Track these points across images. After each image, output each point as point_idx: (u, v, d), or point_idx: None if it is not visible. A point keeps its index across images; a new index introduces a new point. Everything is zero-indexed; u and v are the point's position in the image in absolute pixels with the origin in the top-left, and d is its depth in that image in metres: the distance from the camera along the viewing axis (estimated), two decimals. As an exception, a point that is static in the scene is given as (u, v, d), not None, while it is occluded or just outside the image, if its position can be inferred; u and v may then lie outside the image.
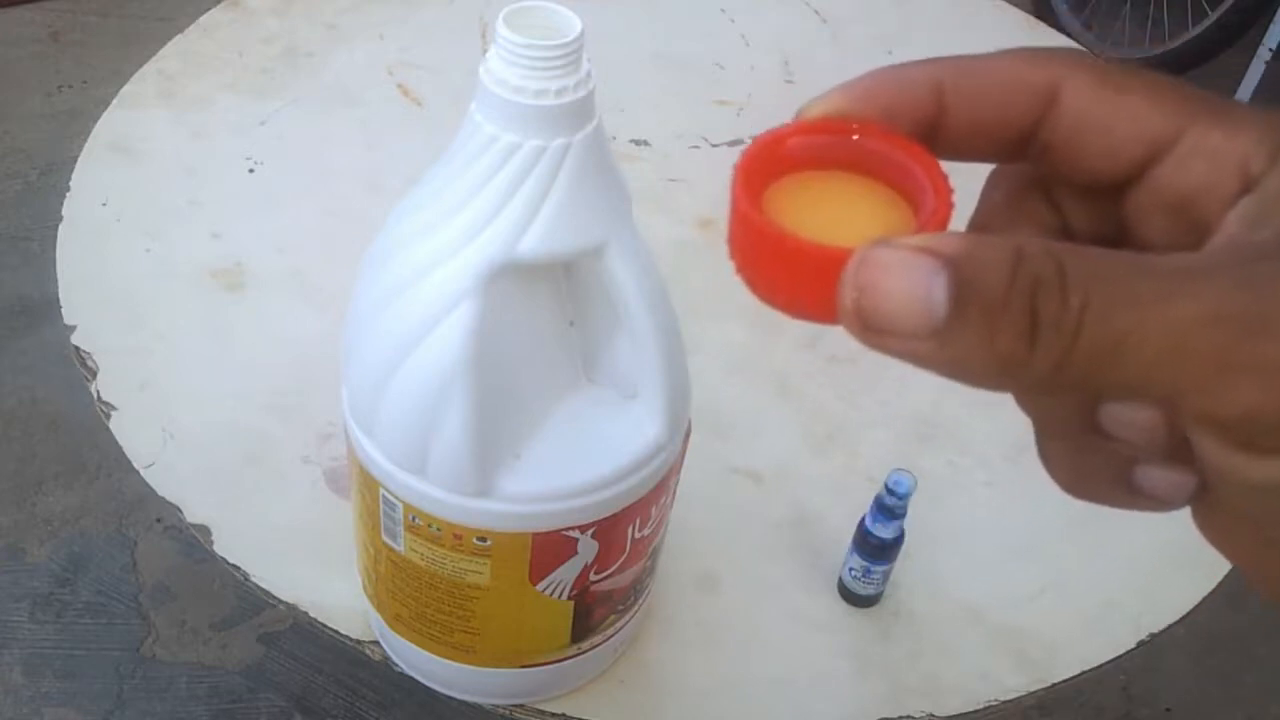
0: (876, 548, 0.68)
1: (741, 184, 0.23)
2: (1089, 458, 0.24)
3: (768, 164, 0.24)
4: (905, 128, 0.24)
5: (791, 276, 0.22)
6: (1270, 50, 2.08)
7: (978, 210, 0.26)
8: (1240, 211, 0.22)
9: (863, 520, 0.68)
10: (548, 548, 0.53)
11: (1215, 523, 0.23)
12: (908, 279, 0.20)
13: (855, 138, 0.24)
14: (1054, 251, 0.20)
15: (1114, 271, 0.20)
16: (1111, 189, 0.24)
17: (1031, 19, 1.30)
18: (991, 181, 0.27)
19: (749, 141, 0.24)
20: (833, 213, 0.24)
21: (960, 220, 0.23)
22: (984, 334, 0.20)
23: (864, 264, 0.20)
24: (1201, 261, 0.20)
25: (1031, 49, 0.24)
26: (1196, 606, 0.72)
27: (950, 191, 0.23)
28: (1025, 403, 0.25)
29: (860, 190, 0.24)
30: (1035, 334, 0.19)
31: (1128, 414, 0.22)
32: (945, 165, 0.24)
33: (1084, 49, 1.26)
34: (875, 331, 0.20)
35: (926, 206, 0.23)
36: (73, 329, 0.81)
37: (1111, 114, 0.23)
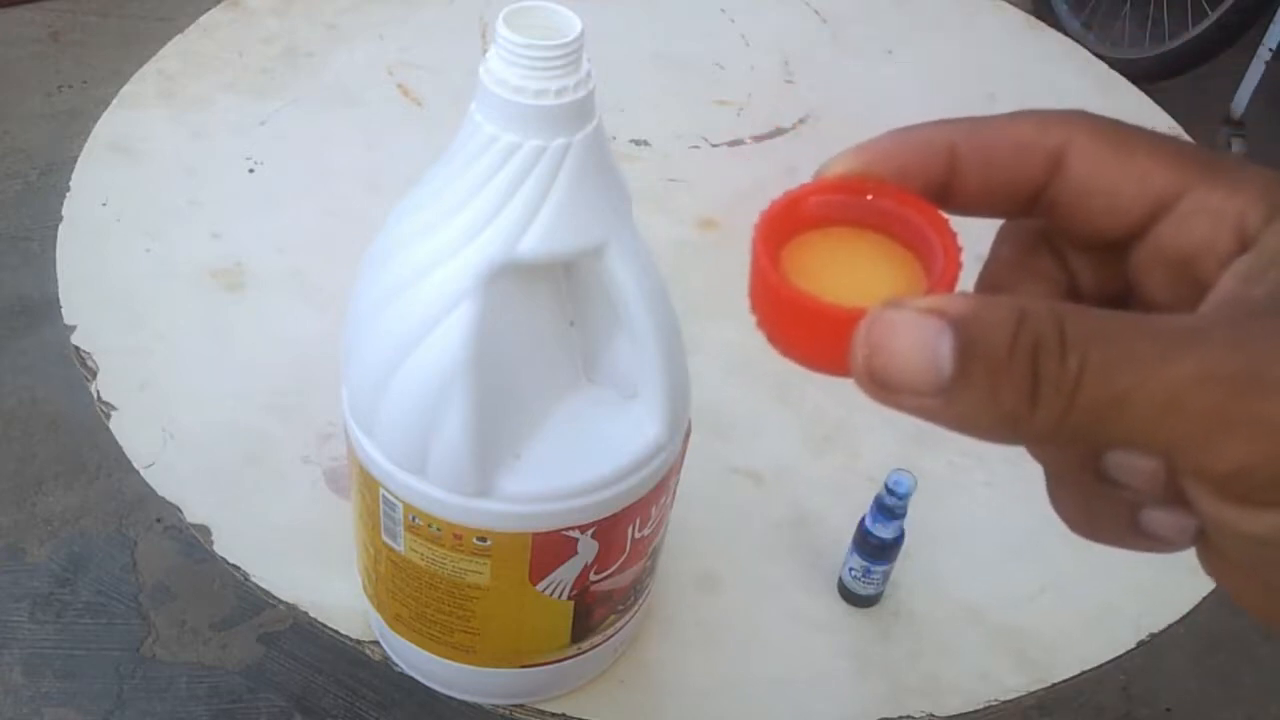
0: (876, 548, 0.68)
1: (761, 242, 0.24)
2: (1097, 503, 0.25)
3: (788, 221, 0.25)
4: (918, 187, 0.25)
5: (808, 334, 0.24)
6: (1270, 50, 2.08)
7: (987, 265, 0.28)
8: (1236, 270, 0.23)
9: (863, 520, 0.68)
10: (548, 548, 0.53)
11: (1217, 566, 0.24)
12: (916, 339, 0.21)
13: (870, 198, 0.25)
14: (1056, 312, 0.21)
15: (1112, 332, 0.20)
16: (1117, 246, 0.25)
17: (1031, 19, 1.30)
18: (1001, 237, 0.28)
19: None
20: (847, 270, 0.25)
21: (970, 274, 0.25)
22: (988, 392, 0.21)
23: (875, 324, 0.22)
24: (1196, 322, 0.21)
25: (1040, 111, 0.25)
26: (1196, 606, 0.72)
27: (959, 252, 0.24)
28: (1034, 452, 0.26)
29: (874, 248, 0.26)
30: (1036, 392, 0.20)
31: (1130, 461, 0.23)
32: (957, 221, 0.25)
33: (1078, 49, 1.27)
34: (886, 388, 0.22)
35: (936, 266, 0.24)
36: (73, 329, 0.81)
37: (1116, 175, 0.24)
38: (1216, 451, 0.20)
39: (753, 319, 0.25)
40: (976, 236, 0.26)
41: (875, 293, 0.23)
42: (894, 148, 0.25)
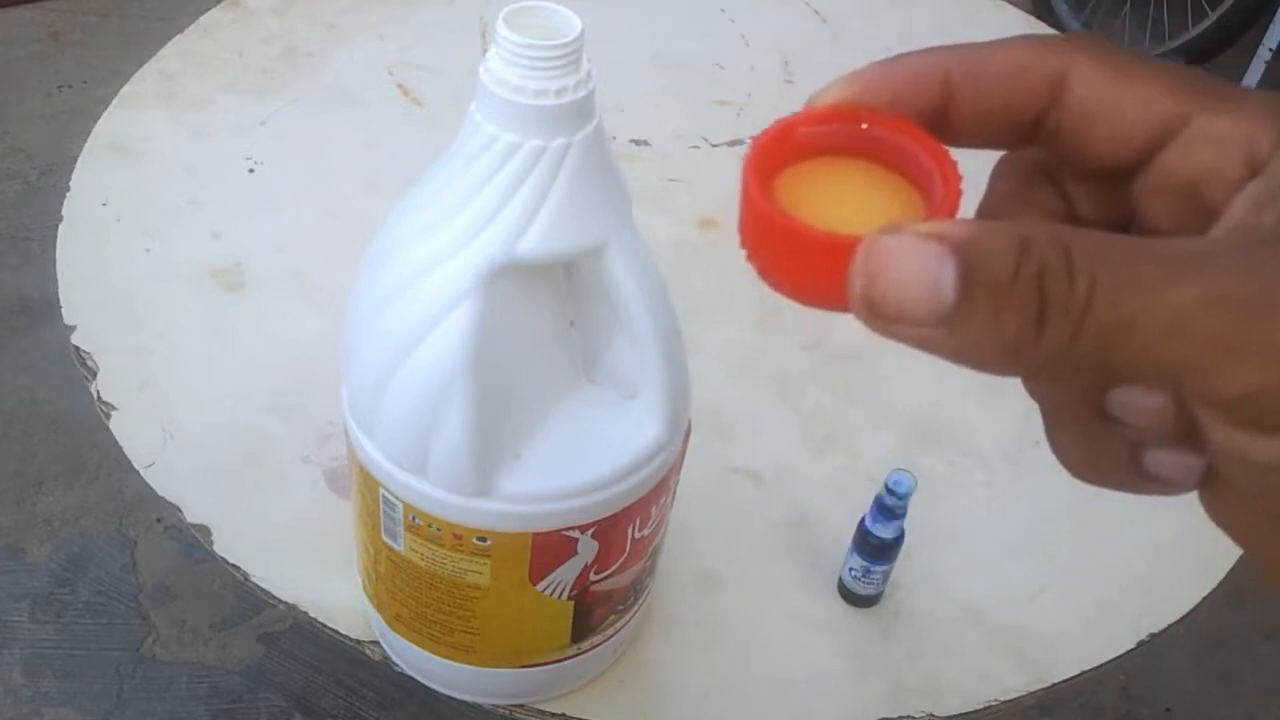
0: (876, 548, 0.68)
1: (752, 172, 0.23)
2: (1098, 444, 0.24)
3: (778, 153, 0.24)
4: (914, 115, 0.24)
5: (801, 264, 0.23)
6: (1270, 50, 2.08)
7: (985, 198, 0.27)
8: (1246, 195, 0.22)
9: (863, 520, 0.68)
10: (548, 548, 0.53)
11: (1223, 505, 0.23)
12: (916, 265, 0.20)
13: (864, 126, 0.24)
14: (1060, 236, 0.20)
15: (1119, 255, 0.20)
16: (1119, 174, 0.24)
17: (1031, 19, 1.30)
18: (999, 169, 0.27)
19: (751, 140, 0.24)
20: (842, 201, 0.24)
21: (968, 209, 0.24)
22: (992, 319, 0.20)
23: (873, 251, 0.21)
24: (1206, 245, 0.21)
25: (1039, 36, 0.24)
26: (1196, 606, 0.72)
27: (959, 179, 0.23)
28: (1033, 389, 0.25)
29: (869, 178, 0.25)
30: (1043, 318, 0.20)
31: (1135, 399, 0.22)
32: (954, 152, 0.24)
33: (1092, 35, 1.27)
34: (884, 318, 0.21)
35: (935, 194, 0.23)
36: (73, 329, 0.81)
37: (1119, 100, 0.23)
38: (1225, 376, 0.19)
39: (742, 254, 0.24)
40: (972, 174, 0.25)
41: (872, 221, 0.21)
42: (887, 75, 0.25)
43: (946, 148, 0.24)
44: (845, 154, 0.25)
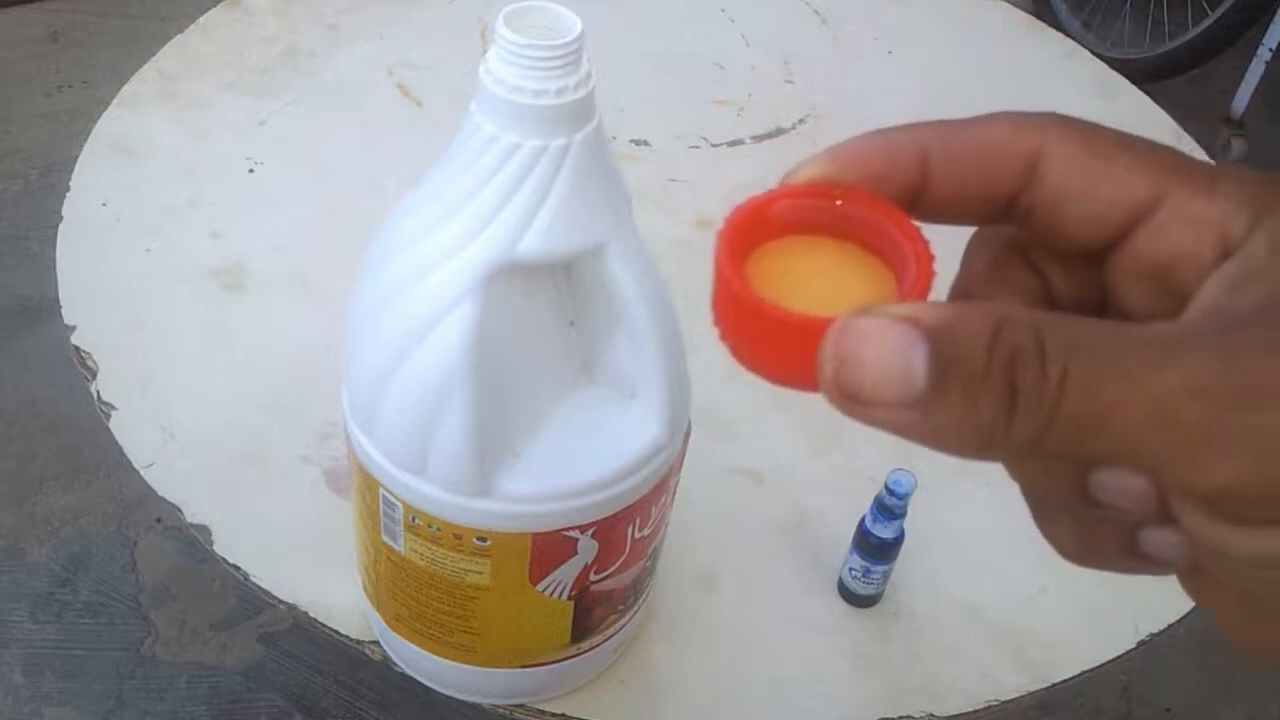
0: (876, 548, 0.68)
1: (725, 249, 0.23)
2: (1089, 527, 0.24)
3: (752, 229, 0.24)
4: (890, 193, 0.24)
5: (773, 345, 0.22)
6: (1270, 50, 2.08)
7: (960, 275, 0.27)
8: (1220, 277, 0.22)
9: (863, 520, 0.68)
10: (548, 548, 0.53)
11: (1199, 591, 0.23)
12: (888, 349, 0.20)
13: (839, 203, 0.24)
14: (1033, 322, 0.20)
15: (1093, 342, 0.20)
16: (1093, 254, 0.24)
17: (1031, 19, 1.30)
18: (974, 245, 0.27)
19: (725, 219, 0.24)
20: (816, 279, 0.24)
21: (943, 284, 0.24)
22: (964, 405, 0.20)
23: (844, 334, 0.20)
24: (1182, 331, 0.20)
25: (1015, 114, 0.24)
26: (1196, 606, 0.72)
27: (932, 259, 0.23)
28: (1016, 474, 0.25)
29: (843, 257, 0.24)
30: (1014, 405, 0.19)
31: (1118, 482, 0.22)
32: (929, 227, 0.24)
33: (1078, 49, 1.27)
34: (856, 401, 0.20)
35: (909, 274, 0.23)
36: (73, 329, 0.81)
37: (1093, 181, 0.23)
38: (1206, 467, 0.19)
39: (715, 331, 0.24)
40: (949, 248, 0.26)
41: (845, 302, 0.21)
42: (864, 152, 0.24)
43: (920, 226, 0.24)
44: (819, 231, 0.25)
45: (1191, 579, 0.23)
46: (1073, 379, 0.19)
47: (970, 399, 0.20)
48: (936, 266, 0.23)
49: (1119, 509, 0.22)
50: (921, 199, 0.24)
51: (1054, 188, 0.23)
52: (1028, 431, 0.20)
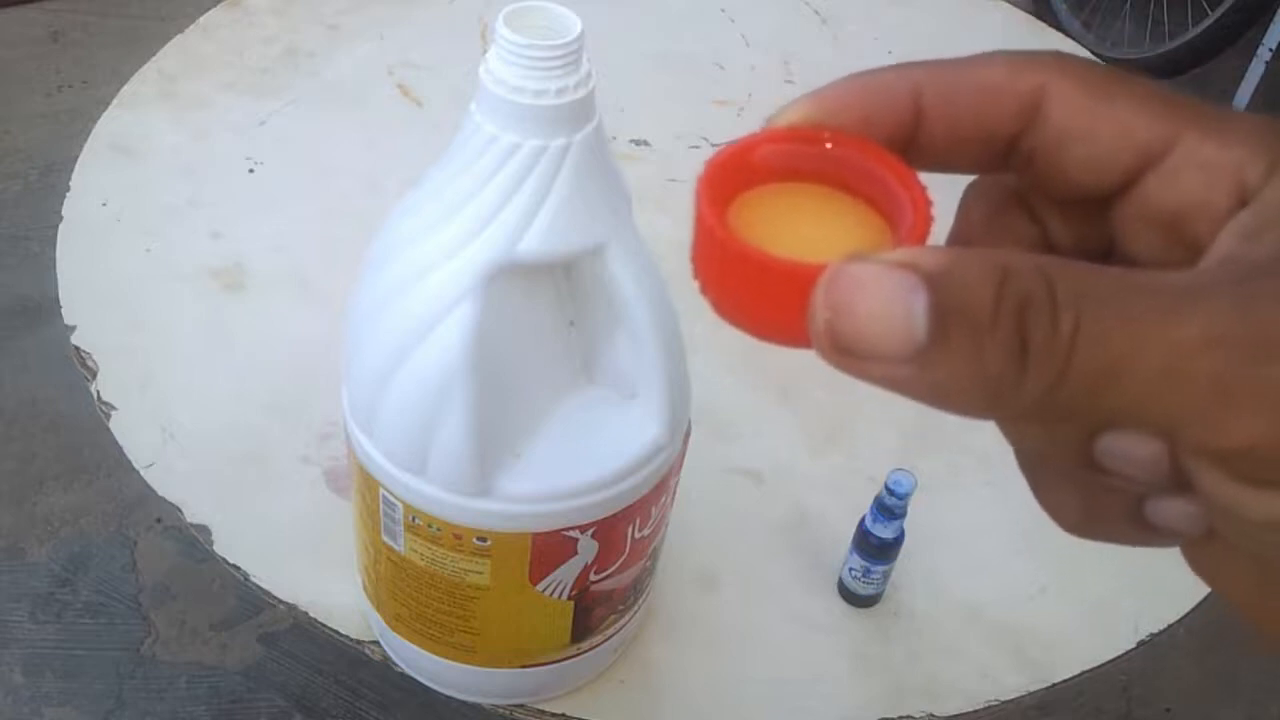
0: (876, 548, 0.68)
1: (706, 196, 0.22)
2: (1092, 496, 0.22)
3: (734, 175, 0.22)
4: (881, 136, 0.23)
5: (759, 295, 0.21)
6: (1270, 50, 2.08)
7: (955, 226, 0.25)
8: (1236, 226, 0.21)
9: (863, 520, 0.68)
10: (548, 548, 0.53)
11: (1212, 560, 0.22)
12: (885, 297, 0.18)
13: (828, 147, 0.23)
14: (1043, 267, 0.18)
15: (1107, 289, 0.18)
16: (1098, 202, 0.23)
17: (1031, 19, 1.30)
18: (968, 196, 0.25)
19: (706, 162, 0.23)
20: (804, 227, 0.23)
21: (939, 237, 0.22)
22: (970, 357, 0.18)
23: (837, 281, 0.19)
24: (1197, 280, 0.19)
25: (1014, 52, 0.23)
26: (1196, 606, 0.72)
27: (929, 205, 0.21)
28: (1014, 437, 0.23)
29: (833, 204, 0.23)
30: (1025, 357, 0.18)
31: (1127, 447, 0.20)
32: (923, 177, 0.22)
33: (1079, 50, 1.26)
34: (850, 355, 0.19)
35: (904, 221, 0.21)
36: (73, 329, 0.81)
37: (1098, 123, 0.22)
38: (1225, 425, 0.18)
39: (695, 284, 0.22)
40: (943, 203, 0.24)
41: (836, 250, 0.19)
42: (853, 93, 0.23)
43: (916, 171, 0.22)
44: (807, 177, 0.23)
45: (1201, 550, 0.22)
46: (1086, 329, 0.18)
47: (976, 351, 0.18)
48: (933, 215, 0.21)
49: (1127, 476, 0.21)
50: (915, 143, 0.23)
51: (1056, 129, 0.22)
52: (1040, 386, 0.18)
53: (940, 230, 0.23)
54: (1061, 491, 0.23)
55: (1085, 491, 0.22)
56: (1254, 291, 0.18)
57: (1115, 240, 0.23)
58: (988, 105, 0.22)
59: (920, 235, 0.21)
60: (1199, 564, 0.22)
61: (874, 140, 0.22)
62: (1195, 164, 0.21)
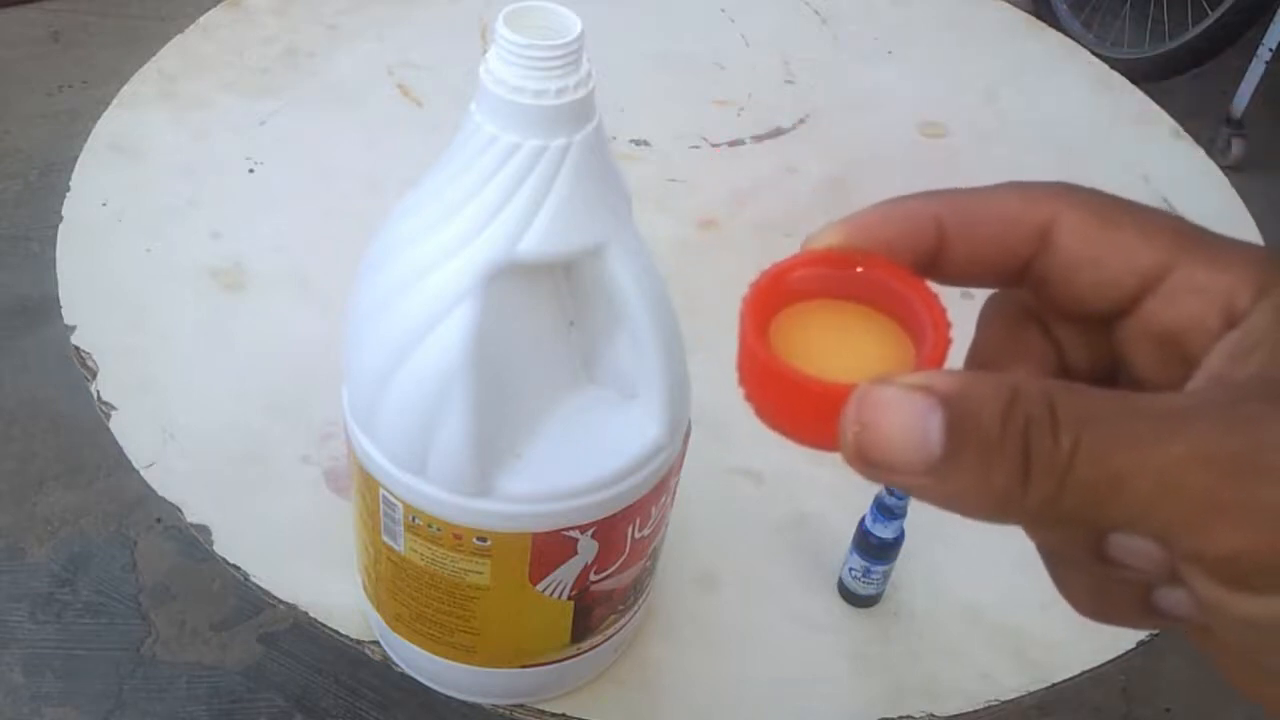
0: (876, 548, 0.68)
1: (749, 317, 0.24)
2: (1104, 585, 0.24)
3: (774, 295, 0.25)
4: (906, 259, 0.25)
5: (796, 409, 0.23)
6: (1270, 50, 2.08)
7: (974, 343, 0.27)
8: (1225, 346, 0.23)
9: (863, 520, 0.68)
10: (548, 548, 0.53)
11: (1210, 647, 0.23)
12: (905, 417, 0.21)
13: (859, 270, 0.25)
14: (1047, 391, 0.21)
15: (1105, 412, 0.20)
16: (1105, 320, 0.25)
17: (1031, 19, 1.30)
18: (986, 313, 0.28)
19: (749, 285, 0.25)
20: (836, 343, 0.25)
21: (960, 348, 0.25)
22: (979, 471, 0.21)
23: (863, 402, 0.21)
24: (1188, 402, 0.21)
25: (1026, 184, 0.25)
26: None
27: (948, 326, 0.24)
28: (1033, 534, 0.25)
29: (863, 321, 0.26)
30: (1029, 472, 0.20)
31: (1133, 544, 0.22)
32: (945, 290, 0.25)
33: (1078, 50, 1.26)
34: (875, 466, 0.21)
35: (926, 341, 0.24)
36: (73, 329, 0.81)
37: (1103, 250, 0.24)
38: (1210, 535, 0.20)
39: (740, 392, 0.24)
40: (965, 312, 0.26)
41: (864, 367, 0.23)
42: (881, 220, 0.25)
43: (936, 293, 0.25)
44: (840, 297, 0.26)
45: (1200, 636, 0.23)
46: (1084, 448, 0.20)
47: (985, 465, 0.20)
48: (954, 333, 0.24)
49: (1134, 569, 0.23)
50: (938, 264, 0.25)
51: (1066, 256, 0.24)
52: (1041, 498, 0.20)
53: (963, 340, 0.25)
54: (1076, 581, 0.25)
55: (1098, 581, 0.24)
56: (1238, 414, 0.20)
57: (1120, 356, 0.25)
58: (1003, 233, 0.25)
59: (939, 355, 0.24)
60: (1201, 646, 0.24)
61: (900, 264, 0.25)
62: (1190, 288, 0.23)
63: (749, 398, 0.24)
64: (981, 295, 0.27)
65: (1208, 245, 0.24)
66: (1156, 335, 0.24)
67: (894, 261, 0.25)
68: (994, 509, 0.21)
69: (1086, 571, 0.24)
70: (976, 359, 0.27)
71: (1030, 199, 0.25)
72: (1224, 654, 0.23)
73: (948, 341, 0.24)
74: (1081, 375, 0.26)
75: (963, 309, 0.26)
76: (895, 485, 0.22)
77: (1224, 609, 0.21)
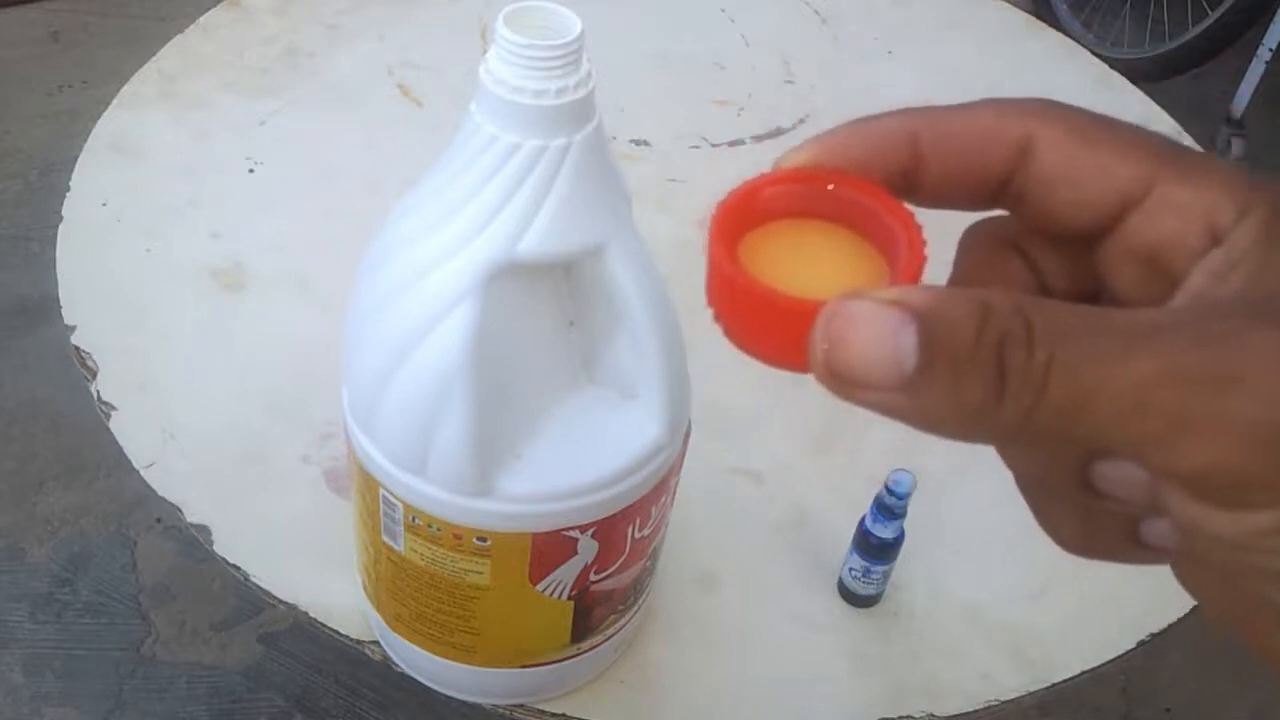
0: (876, 548, 0.68)
1: (717, 234, 0.24)
2: (1090, 518, 0.24)
3: (744, 214, 0.25)
4: (880, 178, 0.24)
5: (765, 327, 0.23)
6: (1270, 50, 2.08)
7: (954, 271, 0.27)
8: (1206, 265, 0.22)
9: (863, 520, 0.68)
10: (548, 548, 0.53)
11: (1189, 577, 0.23)
12: (876, 331, 0.20)
13: (831, 188, 0.24)
14: (1021, 306, 0.20)
15: (1079, 326, 0.20)
16: (1084, 240, 0.24)
17: (1031, 19, 1.30)
18: (965, 242, 0.27)
19: (717, 204, 0.24)
20: (807, 263, 0.24)
21: (936, 275, 0.24)
22: (952, 386, 0.20)
23: (834, 317, 0.21)
24: (1162, 317, 0.21)
25: (1004, 100, 0.25)
26: (1196, 606, 0.72)
27: (923, 244, 0.23)
28: (1014, 462, 0.25)
29: (835, 241, 0.25)
30: (1003, 387, 0.20)
31: (1120, 472, 0.22)
32: (924, 215, 0.24)
33: (1078, 50, 1.26)
34: (845, 383, 0.21)
35: (900, 258, 0.23)
36: (73, 329, 0.81)
37: (1082, 167, 0.23)
38: (1181, 451, 0.20)
39: (709, 312, 0.24)
40: (940, 238, 0.26)
41: (836, 286, 0.22)
42: (854, 138, 0.25)
43: (912, 211, 0.24)
44: (811, 216, 0.25)
45: (1182, 565, 0.23)
46: (1058, 363, 0.20)
47: (958, 380, 0.20)
48: (929, 254, 0.23)
49: (1120, 499, 0.22)
50: (913, 184, 0.25)
51: (1044, 173, 0.24)
52: (1015, 414, 0.20)
53: (938, 270, 0.24)
54: (1060, 514, 0.25)
55: (1083, 514, 0.24)
56: (1211, 330, 0.20)
57: (1102, 278, 0.25)
58: (980, 149, 0.24)
59: (914, 273, 0.23)
60: (1183, 577, 0.23)
61: (874, 181, 0.24)
62: (1171, 205, 0.23)
63: (718, 318, 0.24)
64: (957, 230, 0.27)
65: (1189, 163, 0.23)
66: (1137, 254, 0.24)
67: (867, 179, 0.24)
68: (966, 425, 0.20)
69: (1071, 504, 0.24)
70: (955, 286, 0.26)
71: (1008, 114, 0.24)
72: (1207, 585, 0.22)
73: (922, 259, 0.23)
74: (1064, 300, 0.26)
75: (936, 233, 0.25)
76: (865, 403, 0.21)
77: (1200, 528, 0.20)
